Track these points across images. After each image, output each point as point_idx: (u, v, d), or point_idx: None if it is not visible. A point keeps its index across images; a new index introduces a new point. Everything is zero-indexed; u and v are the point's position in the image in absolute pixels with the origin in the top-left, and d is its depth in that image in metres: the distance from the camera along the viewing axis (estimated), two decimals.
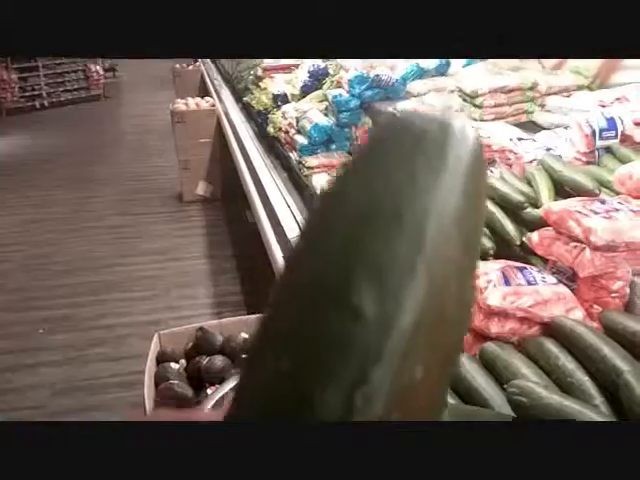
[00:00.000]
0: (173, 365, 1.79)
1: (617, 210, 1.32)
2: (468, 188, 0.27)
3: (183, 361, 1.86)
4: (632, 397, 0.91)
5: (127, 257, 4.83)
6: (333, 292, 0.24)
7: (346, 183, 0.28)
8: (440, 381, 0.26)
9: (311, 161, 3.10)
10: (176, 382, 1.71)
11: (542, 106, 2.53)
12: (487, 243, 1.56)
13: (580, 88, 2.50)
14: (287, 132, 3.57)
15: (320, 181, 2.83)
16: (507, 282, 1.30)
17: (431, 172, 0.27)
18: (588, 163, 1.83)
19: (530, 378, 1.09)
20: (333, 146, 3.19)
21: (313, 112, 3.39)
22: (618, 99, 2.08)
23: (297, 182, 3.31)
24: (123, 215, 5.72)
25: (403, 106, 2.65)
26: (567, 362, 1.12)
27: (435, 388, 0.26)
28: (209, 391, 1.61)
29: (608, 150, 1.84)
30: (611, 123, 1.88)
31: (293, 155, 3.43)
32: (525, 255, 1.50)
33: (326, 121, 3.25)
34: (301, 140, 3.29)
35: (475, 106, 2.51)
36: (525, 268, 1.36)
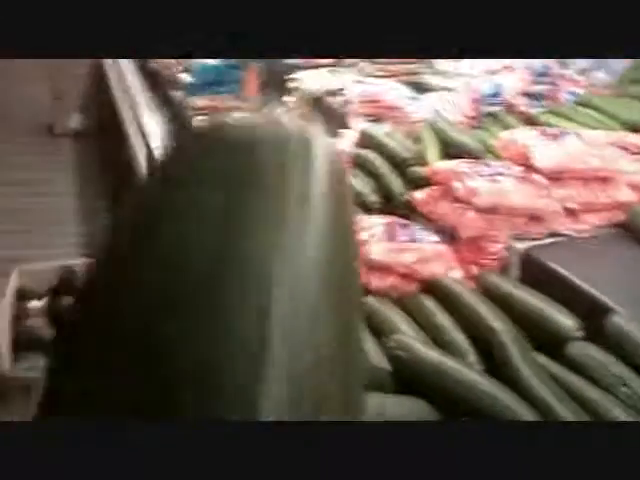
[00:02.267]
0: (34, 303, 1.66)
1: (501, 174, 1.34)
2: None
3: (45, 300, 1.73)
4: (505, 356, 0.93)
5: None
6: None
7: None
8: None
9: (197, 102, 2.96)
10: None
11: (431, 68, 2.54)
12: (372, 197, 1.54)
13: None
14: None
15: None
16: (391, 237, 1.29)
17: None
18: (472, 127, 1.85)
19: (408, 334, 1.08)
20: (221, 88, 3.06)
21: None
22: (506, 67, 2.12)
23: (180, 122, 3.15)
24: None
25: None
26: (444, 320, 1.12)
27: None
28: None
29: (492, 116, 1.87)
30: (498, 90, 1.91)
31: (178, 94, 3.26)
32: (409, 213, 1.49)
33: (216, 60, 3.10)
34: (187, 79, 3.13)
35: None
36: (409, 225, 1.35)
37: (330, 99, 2.34)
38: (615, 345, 0.93)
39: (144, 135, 3.14)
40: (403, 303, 1.22)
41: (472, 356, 1.05)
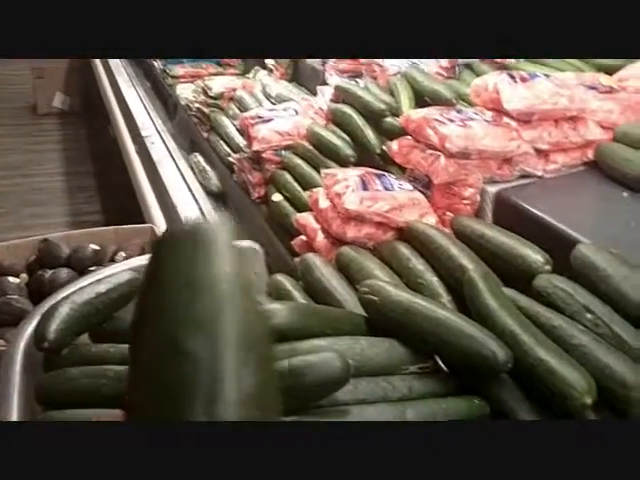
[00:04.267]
0: (12, 279, 1.65)
1: (472, 119, 1.34)
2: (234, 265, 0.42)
3: (25, 275, 1.72)
4: (474, 292, 0.94)
5: None
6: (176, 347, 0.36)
7: (165, 270, 0.41)
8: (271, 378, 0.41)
9: (176, 70, 2.94)
10: (15, 297, 1.57)
11: None
12: (348, 151, 1.54)
13: None
14: None
15: (185, 91, 2.69)
16: (365, 187, 1.29)
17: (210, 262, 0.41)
18: (449, 78, 1.84)
19: (382, 279, 1.10)
20: None
21: None
22: None
23: (161, 92, 3.13)
24: None
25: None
26: (418, 264, 1.14)
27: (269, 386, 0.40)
28: None
29: (468, 66, 1.86)
30: None
31: (157, 64, 3.23)
32: (385, 164, 1.50)
33: None
34: None
35: None
36: (383, 175, 1.36)
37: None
38: (581, 275, 0.94)
39: (127, 109, 3.12)
40: (378, 251, 1.24)
41: (445, 297, 1.06)
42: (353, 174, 1.35)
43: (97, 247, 1.75)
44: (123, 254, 1.80)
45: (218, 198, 2.09)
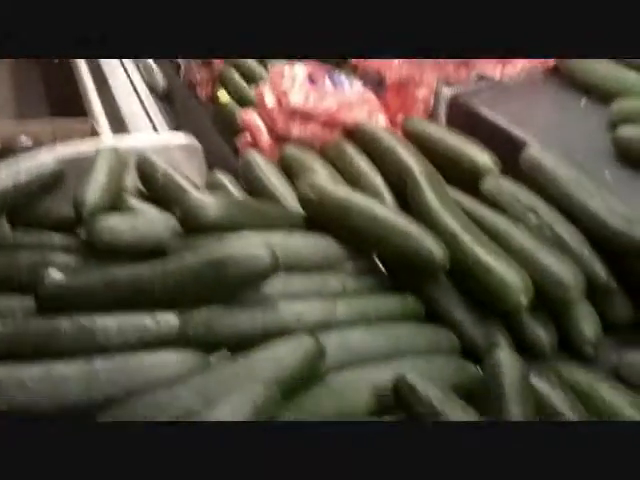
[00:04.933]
0: None
1: None
2: None
3: None
4: (416, 191, 0.90)
5: None
6: None
7: None
8: None
9: None
10: None
11: None
12: None
13: None
14: None
15: None
16: (313, 83, 1.22)
17: None
18: None
19: (324, 178, 1.04)
20: None
21: None
22: None
23: None
24: None
25: None
26: (363, 164, 1.08)
27: None
28: None
29: None
30: None
31: None
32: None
33: None
34: None
35: None
36: (333, 71, 1.28)
37: None
38: (530, 177, 0.90)
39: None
40: (325, 150, 1.18)
41: (388, 197, 1.01)
42: (300, 69, 1.27)
43: (29, 141, 1.64)
44: None
45: (164, 97, 1.98)
